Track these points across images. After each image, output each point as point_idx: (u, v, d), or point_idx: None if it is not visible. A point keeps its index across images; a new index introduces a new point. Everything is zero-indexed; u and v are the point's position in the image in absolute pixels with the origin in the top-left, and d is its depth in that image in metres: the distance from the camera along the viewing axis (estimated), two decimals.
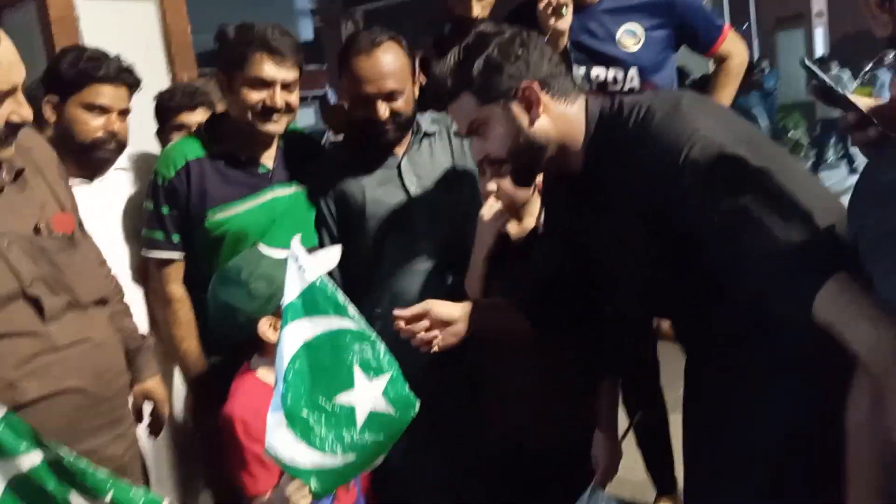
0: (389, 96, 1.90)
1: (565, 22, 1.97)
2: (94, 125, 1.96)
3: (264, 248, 1.61)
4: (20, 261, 1.43)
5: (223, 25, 1.94)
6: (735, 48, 2.34)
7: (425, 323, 1.53)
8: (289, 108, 1.92)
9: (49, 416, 1.43)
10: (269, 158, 1.99)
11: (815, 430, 1.22)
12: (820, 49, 12.08)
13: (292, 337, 1.36)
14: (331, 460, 1.35)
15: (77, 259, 1.56)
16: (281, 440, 1.32)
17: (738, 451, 1.33)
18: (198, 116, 2.31)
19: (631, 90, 2.13)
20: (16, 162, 1.50)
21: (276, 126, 1.92)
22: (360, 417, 1.38)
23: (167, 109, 2.36)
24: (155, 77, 2.89)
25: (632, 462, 2.32)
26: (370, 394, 1.39)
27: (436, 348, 1.54)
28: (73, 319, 1.50)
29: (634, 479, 2.63)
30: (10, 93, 1.39)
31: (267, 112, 1.89)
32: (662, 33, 2.20)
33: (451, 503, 1.98)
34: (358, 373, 1.39)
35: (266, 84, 1.87)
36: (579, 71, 2.15)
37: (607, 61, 2.16)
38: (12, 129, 1.41)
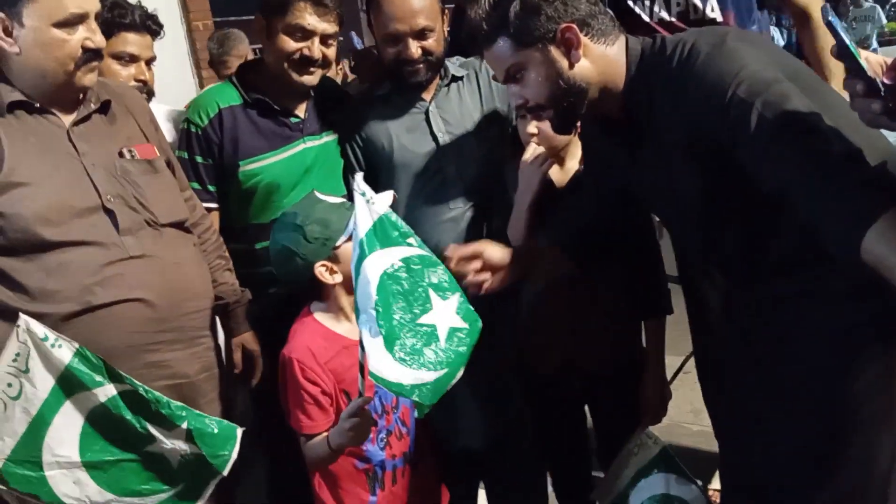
0: (420, 34, 1.86)
1: None
2: (125, 74, 1.96)
3: (320, 194, 1.62)
4: (102, 178, 1.54)
5: None
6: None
7: (477, 264, 1.51)
8: (326, 62, 1.90)
9: (118, 322, 1.51)
10: (300, 109, 1.97)
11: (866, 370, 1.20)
12: None
13: (373, 268, 1.40)
14: (427, 375, 1.42)
15: (157, 182, 1.65)
16: (383, 363, 1.38)
17: (790, 378, 1.32)
18: None
19: (713, 20, 2.03)
20: (102, 94, 1.62)
21: (312, 78, 1.90)
22: (443, 334, 1.45)
23: None
24: (169, 26, 2.85)
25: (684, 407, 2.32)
26: (446, 313, 1.46)
27: (483, 291, 1.53)
28: (148, 236, 1.58)
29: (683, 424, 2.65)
30: (84, 18, 1.49)
31: (304, 62, 1.86)
32: None
33: (498, 431, 2.01)
34: (433, 295, 1.45)
35: (306, 34, 1.85)
36: (657, 1, 2.02)
37: None
38: (89, 55, 1.51)
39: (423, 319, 1.44)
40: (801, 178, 1.10)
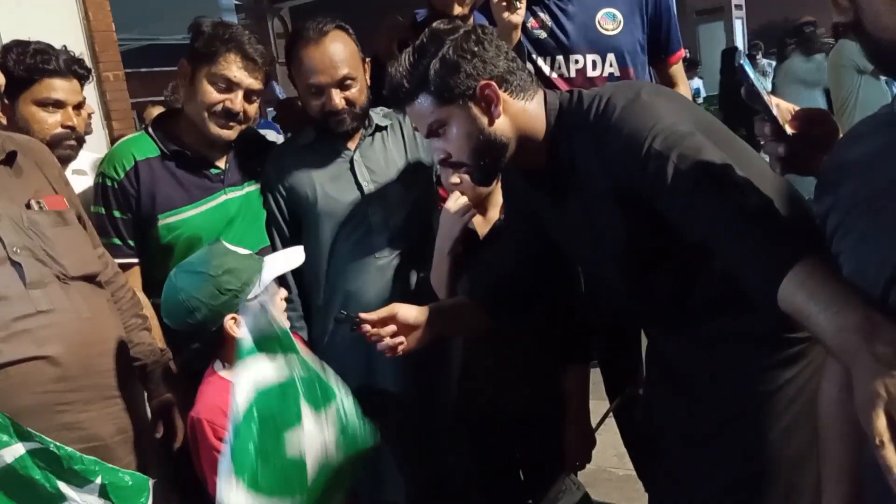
0: (342, 84, 1.86)
1: (518, 16, 1.95)
2: (52, 121, 1.90)
3: (227, 244, 1.58)
4: (7, 230, 1.47)
5: (198, 18, 1.89)
6: (683, 80, 2.34)
7: (392, 327, 1.49)
8: (246, 117, 1.88)
9: (27, 381, 1.43)
10: (221, 160, 1.93)
11: (790, 405, 1.25)
12: (740, 40, 12.48)
13: (246, 381, 1.34)
14: None
15: (67, 234, 1.58)
16: (233, 494, 1.29)
17: (712, 423, 1.36)
18: None
19: (610, 76, 2.12)
20: (7, 145, 1.55)
21: (230, 133, 1.87)
22: (311, 468, 1.35)
23: None
24: None
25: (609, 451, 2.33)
26: (320, 434, 1.37)
27: (400, 353, 1.51)
28: (58, 290, 1.50)
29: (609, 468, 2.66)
30: None
31: (225, 115, 1.84)
32: (639, 22, 2.18)
33: (427, 483, 1.99)
34: (305, 409, 1.37)
35: (231, 86, 1.83)
36: (557, 58, 2.13)
37: (586, 46, 2.13)
38: None
39: (291, 441, 1.34)
40: (717, 230, 1.14)
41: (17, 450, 1.34)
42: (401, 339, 1.49)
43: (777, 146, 1.05)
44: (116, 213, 1.85)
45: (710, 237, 1.16)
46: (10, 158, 1.55)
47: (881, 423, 0.76)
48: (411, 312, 1.52)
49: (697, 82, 9.99)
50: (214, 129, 1.85)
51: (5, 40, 2.91)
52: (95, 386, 1.54)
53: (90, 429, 1.52)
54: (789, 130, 1.06)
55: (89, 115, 2.46)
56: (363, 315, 1.48)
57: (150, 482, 1.46)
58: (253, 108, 1.90)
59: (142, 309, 1.80)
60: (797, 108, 1.11)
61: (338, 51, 1.86)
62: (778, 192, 1.15)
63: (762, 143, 1.09)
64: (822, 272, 0.97)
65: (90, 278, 1.60)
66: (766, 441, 1.30)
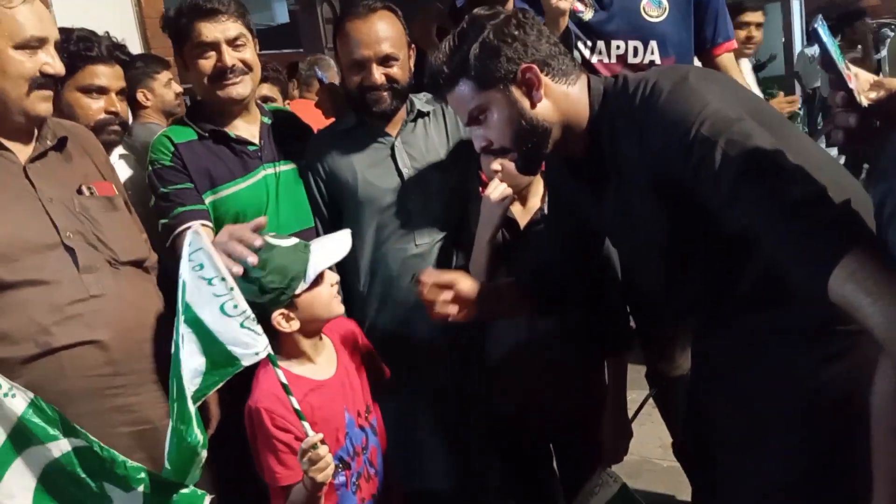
0: (384, 60, 1.86)
1: (567, 2, 1.91)
2: (96, 108, 1.94)
3: (271, 238, 1.53)
4: (60, 215, 1.50)
5: (166, 12, 1.88)
6: (735, 71, 2.26)
7: (448, 294, 1.49)
8: (246, 67, 1.85)
9: (79, 365, 1.46)
10: (254, 136, 1.92)
11: (837, 404, 1.20)
12: (797, 21, 12.10)
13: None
14: None
15: (116, 220, 1.61)
16: None
17: (760, 421, 1.32)
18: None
19: (651, 63, 2.07)
20: (59, 131, 1.59)
21: (237, 88, 1.84)
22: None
23: None
24: None
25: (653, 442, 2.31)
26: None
27: (448, 321, 1.52)
28: (108, 275, 1.53)
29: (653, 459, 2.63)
30: (44, 42, 1.48)
31: (220, 74, 1.82)
32: (686, 10, 2.13)
33: (463, 473, 1.98)
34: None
35: (212, 46, 1.81)
36: (598, 44, 2.10)
37: (629, 31, 2.10)
38: (46, 81, 1.49)
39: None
40: (765, 219, 1.10)
41: (63, 445, 1.36)
42: (455, 307, 1.49)
43: (848, 116, 1.01)
44: (173, 187, 1.83)
45: (757, 226, 1.12)
46: (61, 144, 1.59)
47: None
48: (470, 286, 1.53)
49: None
50: (222, 94, 1.84)
51: (61, 24, 3.00)
52: (144, 370, 1.56)
53: (140, 412, 1.55)
54: (865, 102, 1.01)
55: (177, 95, 2.58)
56: (425, 276, 1.48)
57: (206, 500, 1.43)
58: (247, 54, 1.85)
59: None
60: (878, 78, 1.05)
61: (383, 28, 1.85)
62: (831, 180, 1.11)
63: (833, 112, 1.04)
64: (874, 262, 0.94)
65: (138, 263, 1.63)
66: (811, 443, 1.26)
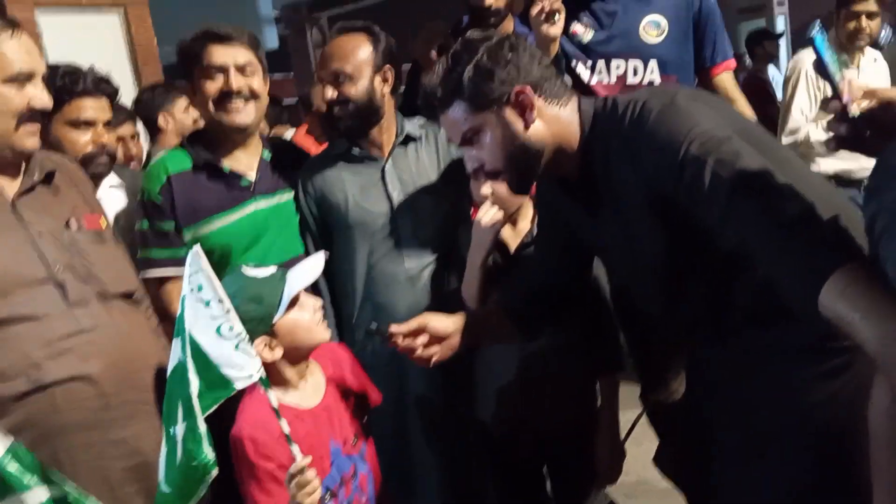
0: (335, 78, 1.89)
1: (557, 28, 1.93)
2: (83, 141, 1.96)
3: (247, 269, 1.54)
4: (50, 249, 1.49)
5: (182, 40, 1.91)
6: (734, 91, 2.27)
7: (424, 339, 1.48)
8: (253, 94, 1.87)
9: (71, 399, 1.44)
10: (250, 169, 1.93)
11: (837, 420, 1.20)
12: (783, 38, 12.24)
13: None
14: None
15: (105, 252, 1.60)
16: None
17: (758, 438, 1.32)
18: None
19: (650, 83, 2.09)
20: (46, 165, 1.58)
21: (241, 115, 1.86)
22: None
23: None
24: (122, 89, 2.85)
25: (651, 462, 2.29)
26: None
27: (432, 364, 1.51)
28: (99, 308, 1.52)
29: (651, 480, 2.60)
30: (32, 76, 1.48)
31: (226, 97, 1.84)
32: (684, 30, 2.16)
33: (456, 496, 1.97)
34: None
35: (221, 70, 1.84)
36: (598, 63, 2.12)
37: (628, 52, 2.12)
38: (34, 115, 1.48)
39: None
40: (756, 237, 1.11)
41: (40, 494, 1.33)
42: (434, 349, 1.48)
43: (839, 126, 1.02)
44: (155, 226, 1.87)
45: (749, 244, 1.13)
46: (49, 178, 1.58)
47: None
48: (442, 323, 1.51)
49: None
50: (226, 118, 1.85)
51: (51, 54, 3.02)
52: (136, 402, 1.55)
53: (134, 444, 1.53)
54: (856, 110, 1.02)
55: (195, 121, 2.61)
56: (394, 328, 1.47)
57: None
58: (255, 81, 1.88)
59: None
60: (871, 87, 1.07)
61: (340, 46, 1.89)
62: (821, 197, 1.11)
63: (827, 123, 1.05)
64: (865, 279, 0.94)
65: (128, 295, 1.62)
66: (810, 458, 1.26)
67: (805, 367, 1.26)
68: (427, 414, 1.94)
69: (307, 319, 1.54)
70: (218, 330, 1.37)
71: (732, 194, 1.13)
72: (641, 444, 1.95)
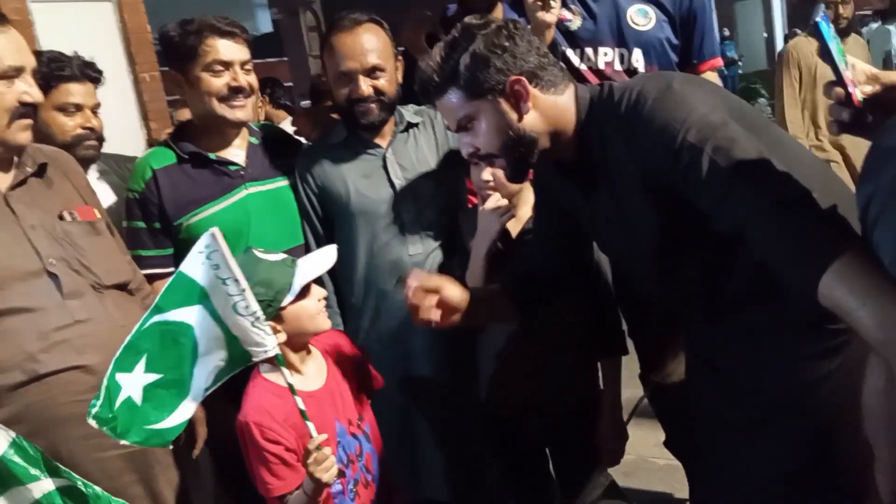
0: (370, 72, 1.87)
1: (553, 15, 1.92)
2: (72, 124, 1.99)
3: (258, 251, 1.56)
4: (43, 242, 1.50)
5: (163, 26, 1.89)
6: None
7: (434, 299, 1.49)
8: (252, 91, 1.88)
9: (66, 391, 1.45)
10: (238, 156, 1.93)
11: (835, 397, 1.22)
12: (779, 17, 12.20)
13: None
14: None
15: (99, 244, 1.61)
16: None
17: (754, 415, 1.34)
18: None
19: (635, 72, 2.08)
20: (38, 157, 1.58)
21: (243, 112, 1.87)
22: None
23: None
24: (117, 78, 2.84)
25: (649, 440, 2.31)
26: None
27: (429, 326, 1.51)
28: (93, 299, 1.53)
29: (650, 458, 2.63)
30: (21, 71, 1.48)
31: (233, 94, 1.84)
32: (673, 22, 2.14)
33: (461, 481, 1.99)
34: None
35: (226, 65, 1.83)
36: (586, 51, 2.11)
37: (614, 39, 2.11)
38: (26, 110, 1.49)
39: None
40: (754, 222, 1.12)
41: (45, 485, 1.33)
42: (438, 313, 1.49)
43: (841, 111, 1.02)
44: (143, 224, 1.87)
45: (747, 230, 1.14)
46: (42, 170, 1.58)
47: None
48: (455, 293, 1.52)
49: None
50: (230, 113, 1.85)
51: (44, 43, 2.99)
52: None
53: None
54: (860, 95, 1.02)
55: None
56: (411, 279, 1.49)
57: None
58: (253, 78, 1.89)
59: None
60: (875, 71, 1.06)
61: (369, 40, 1.87)
62: (818, 182, 1.12)
63: (829, 109, 1.05)
64: (861, 265, 0.95)
65: (122, 286, 1.63)
66: (809, 434, 1.27)
67: (801, 345, 1.28)
68: (431, 396, 1.96)
69: (312, 307, 1.56)
70: (234, 307, 1.40)
71: (730, 181, 1.14)
72: (640, 424, 1.98)
